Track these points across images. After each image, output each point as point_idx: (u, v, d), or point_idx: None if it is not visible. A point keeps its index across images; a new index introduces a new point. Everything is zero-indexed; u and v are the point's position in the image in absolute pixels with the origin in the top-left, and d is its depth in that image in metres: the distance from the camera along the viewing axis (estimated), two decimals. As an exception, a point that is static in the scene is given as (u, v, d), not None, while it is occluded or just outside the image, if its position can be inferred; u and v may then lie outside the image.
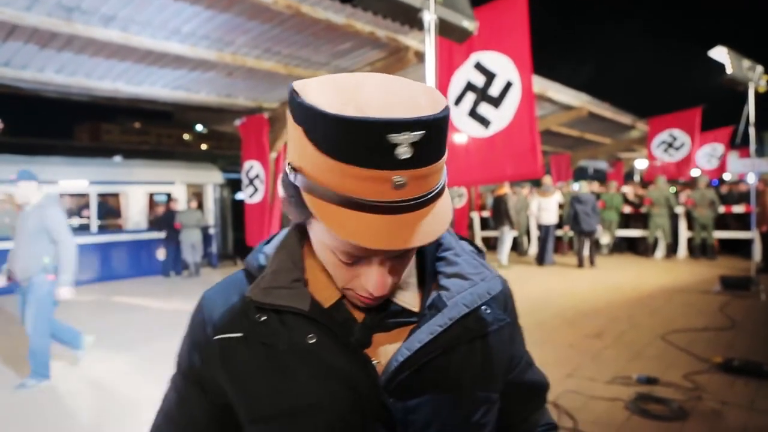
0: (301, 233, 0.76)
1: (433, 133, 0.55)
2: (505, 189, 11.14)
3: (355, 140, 0.54)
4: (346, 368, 0.69)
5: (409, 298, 0.74)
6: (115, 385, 4.47)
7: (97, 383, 4.51)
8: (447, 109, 0.58)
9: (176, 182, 11.79)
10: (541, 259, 10.84)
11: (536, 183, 12.90)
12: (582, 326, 5.77)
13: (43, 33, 5.60)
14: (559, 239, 12.30)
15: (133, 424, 3.60)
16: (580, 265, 10.31)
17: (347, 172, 0.56)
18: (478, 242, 13.96)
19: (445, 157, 0.62)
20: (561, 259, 11.35)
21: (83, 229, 10.65)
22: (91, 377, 4.68)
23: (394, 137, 0.53)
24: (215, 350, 0.73)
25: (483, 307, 0.75)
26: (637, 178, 20.73)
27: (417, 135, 0.54)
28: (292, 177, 0.63)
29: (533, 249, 12.82)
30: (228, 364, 0.72)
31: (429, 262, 0.77)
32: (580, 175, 21.26)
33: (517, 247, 12.57)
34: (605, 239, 12.25)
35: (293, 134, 0.62)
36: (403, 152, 0.54)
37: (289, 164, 0.63)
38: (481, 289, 0.74)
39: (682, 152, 11.22)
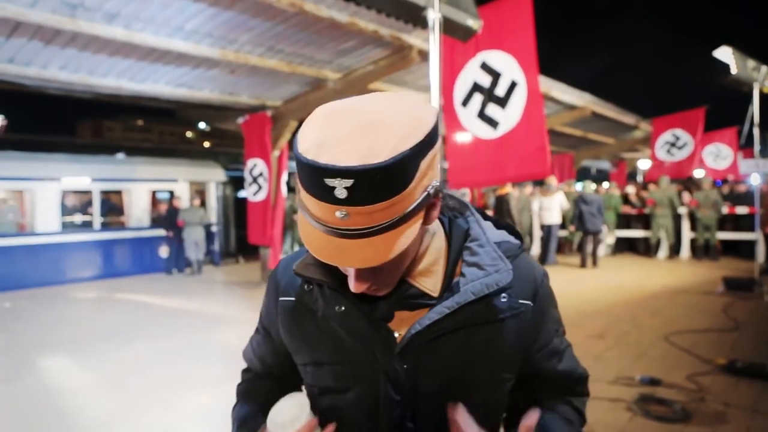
0: None
1: (364, 180, 0.63)
2: (508, 188, 11.11)
3: (308, 176, 0.67)
4: (367, 335, 0.83)
5: (431, 284, 0.83)
6: (118, 381, 4.47)
7: (99, 380, 4.51)
8: (409, 151, 0.65)
9: (179, 180, 11.79)
10: (543, 259, 10.81)
11: (538, 182, 12.87)
12: (585, 327, 5.76)
13: (47, 30, 5.60)
14: (564, 240, 12.23)
15: (136, 421, 3.60)
16: (583, 265, 10.29)
17: (306, 196, 0.69)
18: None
19: (405, 192, 0.67)
20: (563, 259, 11.34)
21: (86, 226, 10.67)
22: (94, 374, 4.68)
23: (329, 181, 0.64)
24: (278, 309, 0.94)
25: (500, 295, 0.83)
26: (640, 178, 20.69)
27: (347, 182, 0.63)
28: (301, 209, 0.74)
29: (535, 249, 12.78)
30: (285, 321, 0.93)
31: (454, 251, 0.85)
32: (583, 175, 21.19)
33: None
34: (610, 239, 12.21)
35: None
36: (339, 193, 0.64)
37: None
38: (491, 280, 0.81)
39: (685, 152, 11.18)
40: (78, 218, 10.67)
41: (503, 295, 0.83)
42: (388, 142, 0.65)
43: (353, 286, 0.75)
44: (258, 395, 1.03)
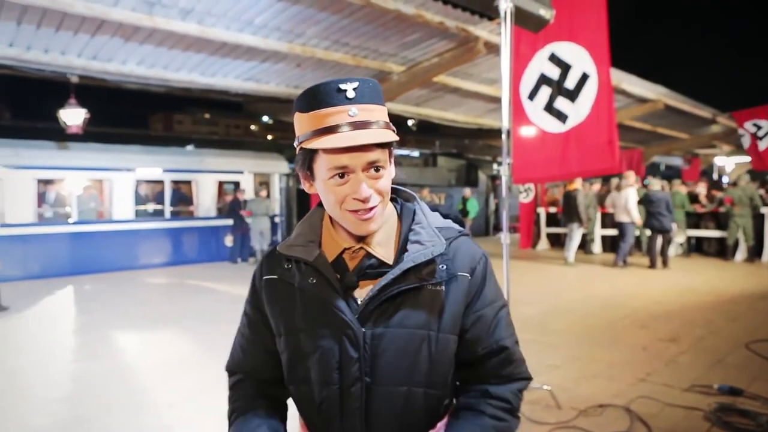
0: (321, 209, 1.09)
1: (364, 85, 0.94)
2: (576, 184, 10.72)
3: (324, 92, 0.93)
4: (334, 302, 0.98)
5: (386, 254, 1.02)
6: (187, 363, 4.66)
7: (170, 361, 4.72)
8: (374, 81, 0.98)
9: (244, 171, 12.15)
10: (615, 260, 10.26)
11: (606, 178, 12.40)
12: (655, 329, 5.50)
13: (127, 27, 5.88)
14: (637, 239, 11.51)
15: (203, 402, 3.74)
16: (652, 265, 9.82)
17: (322, 114, 0.93)
18: (543, 238, 13.64)
19: (383, 107, 0.98)
20: (631, 259, 10.84)
21: (157, 214, 11.18)
22: (165, 355, 4.91)
23: (342, 85, 0.93)
24: (262, 287, 1.10)
25: (438, 265, 1.00)
26: (715, 176, 19.55)
27: (354, 84, 0.93)
28: (296, 147, 0.99)
29: (597, 248, 12.32)
30: (268, 295, 1.09)
31: (405, 228, 1.04)
32: (652, 171, 20.27)
33: (585, 245, 12.11)
34: (680, 238, 11.58)
35: (295, 126, 1.00)
36: (350, 94, 0.92)
37: (295, 147, 1.01)
38: (427, 251, 0.99)
39: (766, 141, 10.46)
40: (150, 207, 11.19)
41: (441, 265, 1.00)
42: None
43: (361, 190, 0.93)
44: (255, 414, 1.11)
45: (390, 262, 1.01)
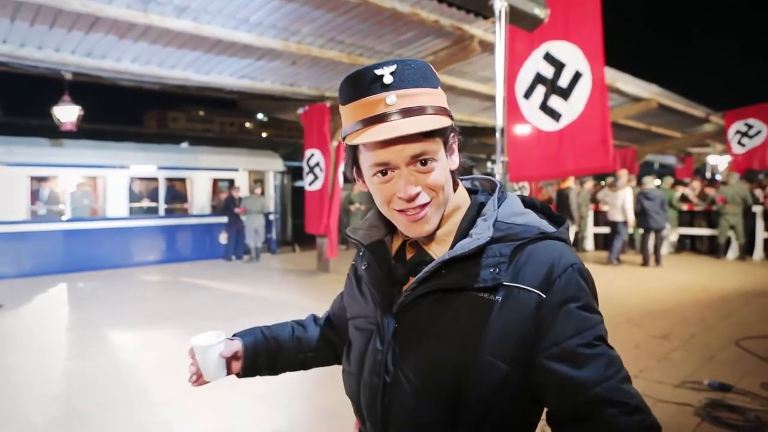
0: None
1: (403, 68, 0.83)
2: (569, 183, 10.78)
3: (360, 80, 0.84)
4: (377, 292, 0.94)
5: (440, 252, 0.91)
6: (185, 360, 4.67)
7: (167, 358, 4.73)
8: (418, 61, 0.86)
9: (239, 169, 12.13)
10: (608, 258, 10.36)
11: (599, 177, 12.46)
12: (648, 326, 5.56)
13: (121, 24, 5.86)
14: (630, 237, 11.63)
15: (202, 398, 3.75)
16: (645, 263, 9.90)
17: (358, 105, 0.84)
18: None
19: (433, 90, 0.86)
20: (624, 257, 10.92)
21: (151, 212, 11.16)
22: (162, 352, 4.91)
23: (378, 71, 0.83)
24: (351, 271, 1.12)
25: (490, 268, 0.84)
26: (708, 174, 19.68)
27: (392, 67, 0.83)
28: (343, 143, 0.90)
29: (589, 245, 12.40)
30: (348, 280, 1.12)
31: (464, 225, 0.92)
32: (646, 170, 20.37)
33: (577, 243, 12.19)
34: (673, 237, 11.67)
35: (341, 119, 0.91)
36: (387, 79, 0.82)
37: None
38: (466, 244, 0.86)
39: (757, 140, 10.54)
40: (144, 204, 11.17)
41: (494, 269, 0.84)
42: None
43: (404, 188, 0.84)
44: (304, 330, 1.28)
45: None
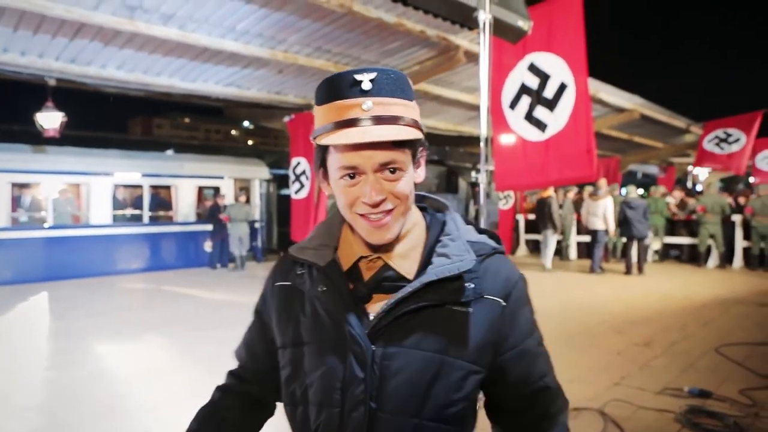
0: (342, 216, 0.97)
1: (382, 77, 0.84)
2: (549, 192, 10.91)
3: (338, 83, 0.84)
4: (343, 314, 0.88)
5: (407, 268, 0.91)
6: (167, 368, 4.62)
7: (150, 366, 4.68)
8: (397, 72, 0.87)
9: (225, 177, 12.08)
10: (591, 267, 10.50)
11: (581, 186, 12.60)
12: (630, 334, 5.62)
13: (107, 31, 5.85)
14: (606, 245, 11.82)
15: (185, 406, 3.72)
16: (628, 271, 10.02)
17: (333, 106, 0.84)
18: (522, 245, 13.84)
19: (409, 102, 0.87)
20: (607, 265, 11.05)
21: (135, 219, 11.05)
22: (145, 361, 4.86)
23: (358, 76, 0.83)
24: (273, 292, 1.02)
25: (466, 283, 0.88)
26: (689, 184, 19.99)
27: (371, 75, 0.84)
28: (313, 142, 0.89)
29: (573, 254, 12.53)
30: (276, 302, 1.00)
31: (431, 241, 0.93)
32: (629, 179, 20.64)
33: (561, 252, 12.31)
34: (655, 245, 11.84)
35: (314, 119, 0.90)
36: (366, 85, 0.83)
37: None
38: (454, 266, 0.88)
39: (735, 147, 10.72)
40: (128, 212, 11.06)
41: (469, 283, 0.88)
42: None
43: (371, 193, 0.84)
44: (216, 410, 1.12)
45: (410, 276, 0.90)
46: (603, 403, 3.67)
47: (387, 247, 0.91)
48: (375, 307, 0.89)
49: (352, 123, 0.82)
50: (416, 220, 0.95)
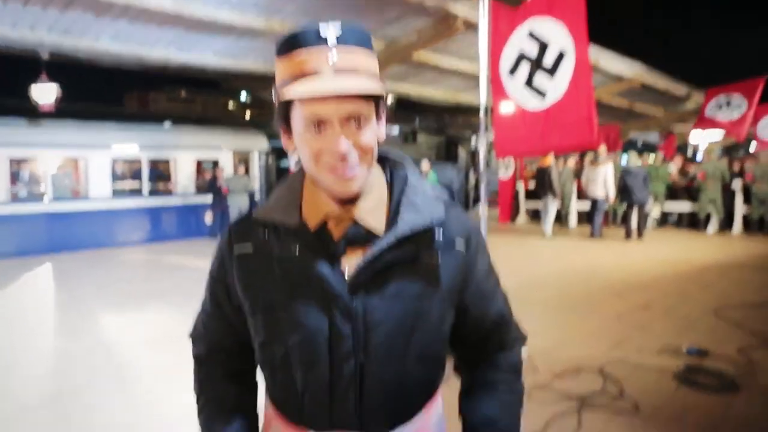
0: (302, 173, 0.97)
1: (347, 28, 0.83)
2: (549, 160, 10.89)
3: (302, 35, 0.82)
4: (321, 273, 0.88)
5: (376, 223, 0.91)
6: (170, 338, 4.69)
7: (153, 336, 4.75)
8: (362, 26, 0.87)
9: (223, 149, 12.05)
10: (591, 232, 10.60)
11: (582, 155, 12.57)
12: (630, 298, 5.69)
13: (101, 2, 5.75)
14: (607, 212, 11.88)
15: (188, 376, 3.79)
16: (628, 236, 10.08)
17: (297, 59, 0.82)
18: (522, 213, 13.87)
19: (372, 54, 0.87)
20: (607, 231, 11.10)
21: (135, 192, 11.07)
22: (147, 331, 4.93)
23: (323, 26, 0.82)
24: (233, 261, 0.97)
25: (436, 231, 0.92)
26: (690, 152, 19.92)
27: (336, 25, 0.82)
28: (274, 99, 0.87)
29: (573, 222, 12.56)
30: (241, 271, 0.96)
31: (396, 194, 0.95)
32: (630, 147, 20.55)
33: (561, 219, 12.35)
34: (655, 212, 11.88)
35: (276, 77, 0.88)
36: (331, 36, 0.81)
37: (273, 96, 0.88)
38: (426, 217, 0.91)
39: (737, 113, 10.66)
40: (128, 185, 11.07)
41: (438, 234, 0.93)
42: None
43: (337, 143, 0.83)
44: (226, 400, 1.07)
45: (380, 231, 0.91)
46: (602, 363, 3.74)
47: (353, 203, 0.90)
48: (351, 262, 0.90)
49: (317, 73, 0.81)
50: (378, 174, 0.96)
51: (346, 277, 0.89)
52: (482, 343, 1.05)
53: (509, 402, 1.04)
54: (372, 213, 0.92)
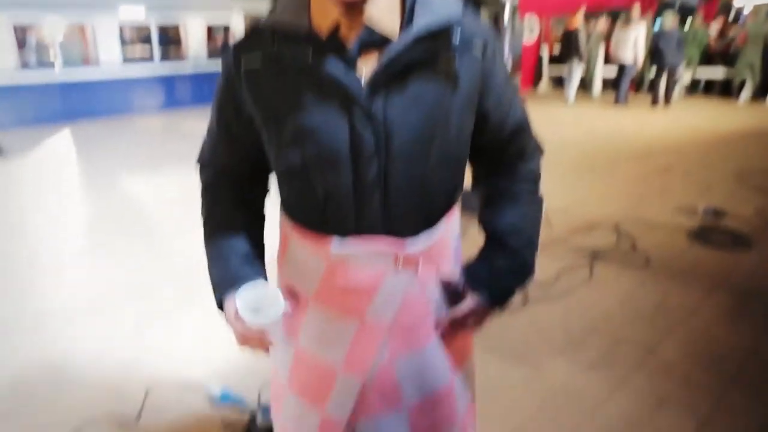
0: None
1: None
2: (577, 21, 10.19)
3: None
4: (337, 77, 0.85)
5: (390, 26, 0.86)
6: (193, 198, 4.81)
7: (176, 196, 4.88)
8: None
9: (233, 10, 11.53)
10: (615, 98, 10.22)
11: (615, 16, 11.72)
12: (651, 162, 5.60)
13: None
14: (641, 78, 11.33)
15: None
16: (655, 103, 9.69)
17: None
18: (545, 79, 13.31)
19: None
20: (633, 98, 10.67)
21: (146, 59, 10.80)
22: (171, 191, 5.06)
23: None
24: (243, 81, 0.92)
25: (453, 31, 0.88)
26: (732, 15, 18.50)
27: None
28: None
29: (597, 89, 12.04)
30: (252, 88, 0.91)
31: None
32: (665, 7, 19.12)
33: (585, 86, 11.84)
34: (686, 78, 11.28)
35: None
36: None
37: None
38: (442, 17, 0.86)
39: None
40: (138, 51, 10.78)
41: (456, 34, 0.88)
42: None
43: None
44: (234, 225, 1.05)
45: (394, 35, 0.86)
46: (618, 220, 3.77)
47: (364, 7, 0.84)
48: (366, 67, 0.87)
49: None
50: None
51: (363, 81, 0.86)
52: (502, 152, 1.04)
53: (532, 212, 1.06)
54: (385, 16, 0.87)
